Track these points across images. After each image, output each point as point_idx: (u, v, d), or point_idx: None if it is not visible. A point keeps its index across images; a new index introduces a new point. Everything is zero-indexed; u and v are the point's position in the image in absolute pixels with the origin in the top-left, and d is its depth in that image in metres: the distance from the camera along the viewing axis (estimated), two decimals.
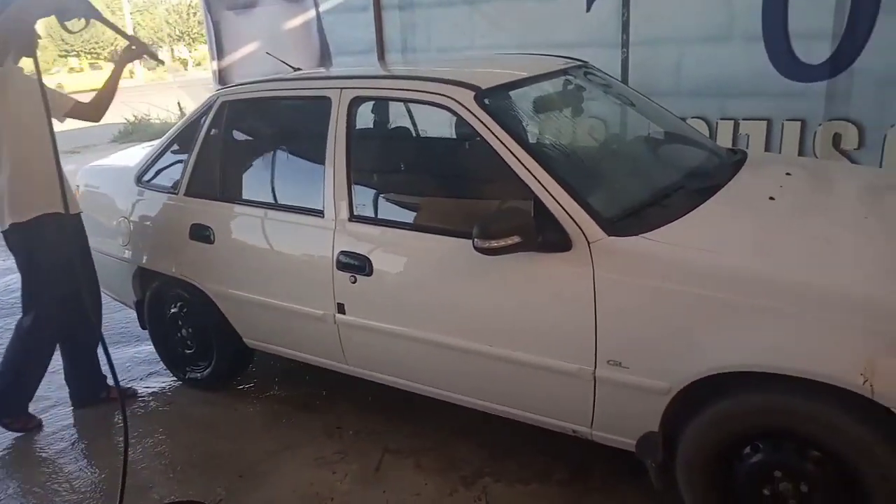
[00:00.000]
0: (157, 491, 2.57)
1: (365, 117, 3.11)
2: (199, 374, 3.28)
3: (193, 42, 42.22)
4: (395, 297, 2.46)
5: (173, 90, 21.82)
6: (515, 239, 2.03)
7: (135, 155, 3.68)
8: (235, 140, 3.00)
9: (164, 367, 3.51)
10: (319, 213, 2.62)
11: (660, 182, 2.42)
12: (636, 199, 2.25)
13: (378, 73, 2.87)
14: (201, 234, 2.95)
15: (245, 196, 2.91)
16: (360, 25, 5.63)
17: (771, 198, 2.35)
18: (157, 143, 3.35)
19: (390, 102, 3.30)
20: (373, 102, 3.10)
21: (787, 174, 2.63)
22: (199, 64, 42.15)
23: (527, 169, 2.17)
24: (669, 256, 1.98)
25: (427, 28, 5.30)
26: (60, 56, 38.85)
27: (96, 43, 39.55)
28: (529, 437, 2.64)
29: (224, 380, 3.28)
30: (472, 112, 2.31)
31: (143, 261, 3.23)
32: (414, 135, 3.36)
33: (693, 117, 4.20)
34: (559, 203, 2.11)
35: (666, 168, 2.62)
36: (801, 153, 3.99)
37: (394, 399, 2.94)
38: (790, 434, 1.87)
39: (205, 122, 3.02)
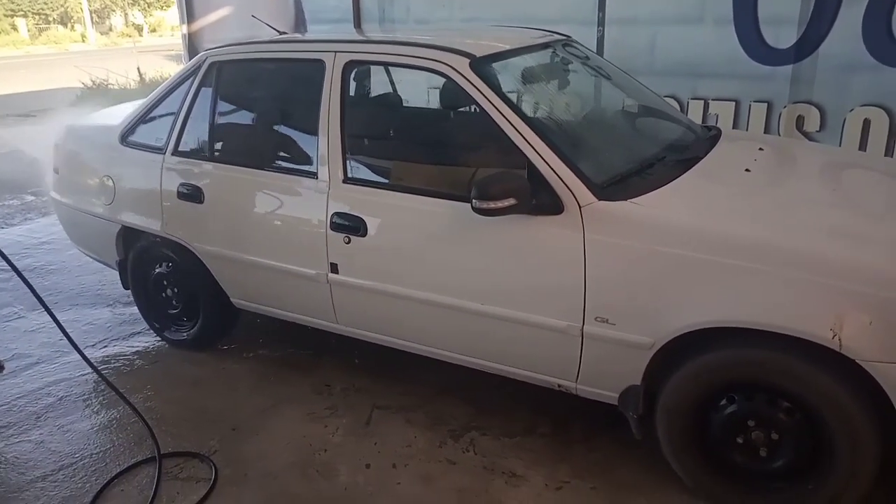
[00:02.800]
0: (151, 443, 2.62)
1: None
2: (184, 335, 3.32)
3: (149, 7, 40.94)
4: (389, 256, 2.54)
5: (129, 56, 21.20)
6: (511, 201, 2.14)
7: (115, 114, 3.64)
8: (225, 100, 3.01)
9: (147, 328, 3.54)
10: (313, 175, 2.67)
11: (643, 152, 2.54)
12: (623, 167, 2.37)
13: (372, 38, 2.91)
14: (190, 193, 2.97)
15: (236, 157, 2.94)
16: None
17: (747, 169, 2.51)
18: (141, 102, 3.33)
19: (372, 70, 3.35)
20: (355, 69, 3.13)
21: (760, 149, 2.79)
22: (153, 30, 40.91)
23: (521, 135, 2.27)
24: (655, 220, 2.11)
25: None
26: (6, 16, 37.19)
27: (45, 3, 37.99)
28: (512, 393, 2.78)
29: (210, 340, 3.32)
30: (467, 78, 2.39)
31: (128, 220, 3.23)
32: (402, 101, 3.41)
33: (665, 96, 4.32)
34: (552, 168, 2.22)
35: (648, 140, 2.75)
36: (766, 133, 4.17)
37: (379, 358, 3.05)
38: (763, 386, 2.03)
39: (193, 82, 3.03)
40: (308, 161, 2.69)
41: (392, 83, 3.54)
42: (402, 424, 2.73)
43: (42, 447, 2.66)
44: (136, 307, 3.66)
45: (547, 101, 2.70)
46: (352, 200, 2.58)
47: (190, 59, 6.51)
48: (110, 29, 41.56)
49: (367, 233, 2.54)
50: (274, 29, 3.46)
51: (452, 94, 2.87)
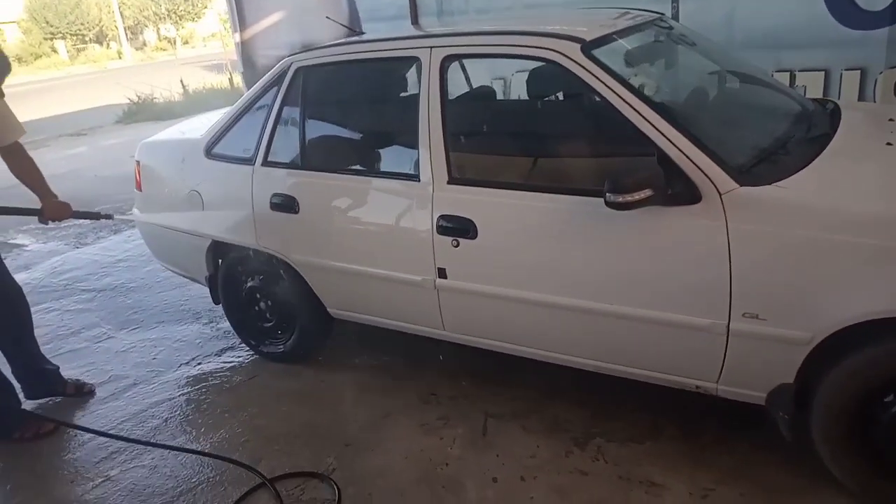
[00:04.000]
0: (266, 463, 2.55)
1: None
2: (280, 347, 3.24)
3: (180, 20, 41.52)
4: (505, 258, 2.41)
5: (167, 69, 21.53)
6: (648, 192, 1.99)
7: (191, 128, 3.60)
8: (315, 106, 2.92)
9: (238, 342, 3.48)
10: (415, 178, 2.56)
11: (771, 131, 2.36)
12: (757, 149, 2.21)
13: (468, 30, 2.78)
14: (284, 204, 2.88)
15: (331, 163, 2.84)
16: None
17: (889, 143, 2.31)
18: (224, 113, 3.26)
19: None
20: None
21: (891, 119, 2.58)
22: (186, 42, 41.56)
23: (647, 120, 2.12)
24: (810, 204, 1.95)
25: None
26: (46, 39, 38.13)
27: (81, 24, 38.81)
28: (626, 395, 2.64)
29: (306, 352, 3.24)
30: (581, 65, 2.25)
31: (219, 234, 3.17)
32: (497, 95, 3.28)
33: None
34: (685, 154, 2.06)
35: (771, 117, 2.55)
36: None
37: (479, 363, 2.95)
38: None
39: (279, 90, 2.94)
40: (409, 163, 2.58)
41: (468, 78, 3.41)
42: (520, 433, 2.61)
43: (157, 472, 2.60)
44: (224, 322, 3.62)
45: (662, 83, 2.55)
46: (459, 201, 2.46)
47: (244, 67, 6.57)
48: (144, 44, 42.39)
49: (477, 235, 2.42)
50: (350, 29, 3.37)
51: (547, 81, 2.75)
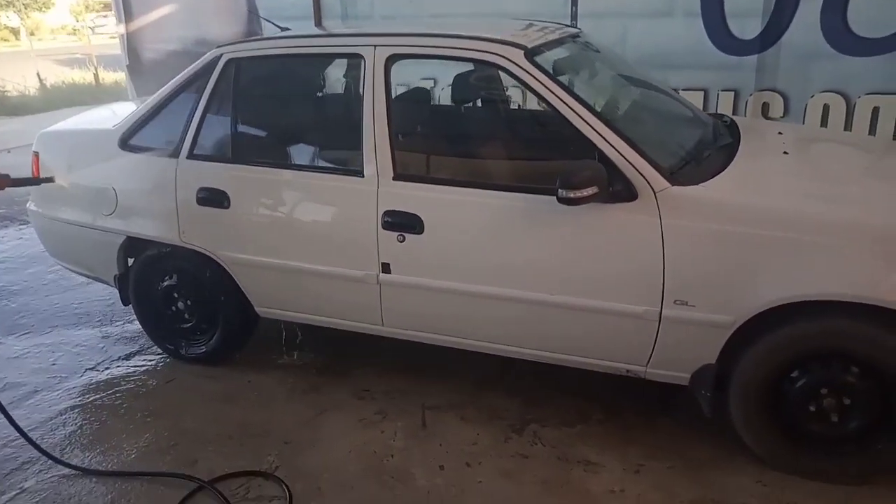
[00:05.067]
0: (203, 464, 2.46)
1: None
2: (203, 348, 3.12)
3: (25, 9, 38.04)
4: (451, 253, 2.49)
5: (16, 61, 19.69)
6: (594, 189, 2.15)
7: (100, 118, 3.40)
8: (249, 99, 2.85)
9: (148, 345, 3.31)
10: (358, 174, 2.58)
11: (689, 138, 2.62)
12: (681, 153, 2.44)
13: (412, 31, 2.82)
14: (213, 198, 2.80)
15: (266, 158, 2.79)
16: None
17: (784, 152, 2.63)
18: (142, 104, 3.10)
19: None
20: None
21: (780, 133, 2.94)
22: (32, 34, 38.13)
23: (588, 124, 2.29)
24: (733, 202, 2.19)
25: None
26: None
27: None
28: (554, 383, 2.83)
29: (228, 352, 3.14)
30: (525, 70, 2.38)
31: (135, 230, 3.01)
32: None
33: None
34: (623, 156, 2.24)
35: (685, 126, 2.82)
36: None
37: (410, 359, 3.02)
38: (837, 354, 2.14)
39: (209, 81, 2.85)
40: (352, 159, 2.60)
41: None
42: (459, 422, 2.69)
43: (83, 481, 2.43)
44: (129, 324, 3.46)
45: (596, 91, 2.73)
46: (405, 198, 2.51)
47: (129, 60, 6.22)
48: None
49: (423, 230, 2.48)
50: (276, 26, 3.32)
51: (468, 85, 2.87)
